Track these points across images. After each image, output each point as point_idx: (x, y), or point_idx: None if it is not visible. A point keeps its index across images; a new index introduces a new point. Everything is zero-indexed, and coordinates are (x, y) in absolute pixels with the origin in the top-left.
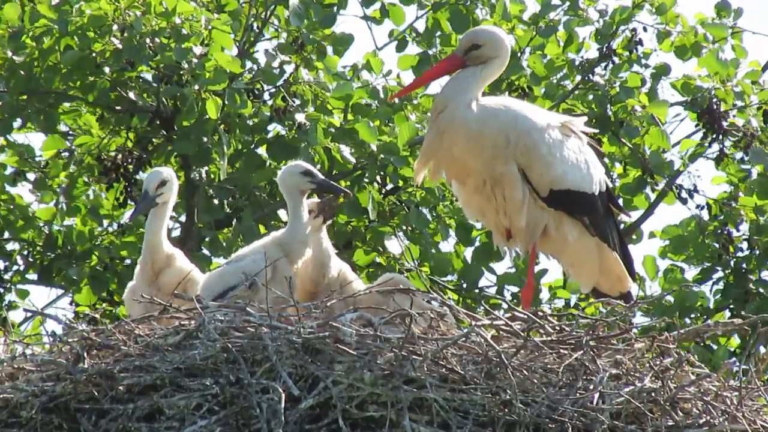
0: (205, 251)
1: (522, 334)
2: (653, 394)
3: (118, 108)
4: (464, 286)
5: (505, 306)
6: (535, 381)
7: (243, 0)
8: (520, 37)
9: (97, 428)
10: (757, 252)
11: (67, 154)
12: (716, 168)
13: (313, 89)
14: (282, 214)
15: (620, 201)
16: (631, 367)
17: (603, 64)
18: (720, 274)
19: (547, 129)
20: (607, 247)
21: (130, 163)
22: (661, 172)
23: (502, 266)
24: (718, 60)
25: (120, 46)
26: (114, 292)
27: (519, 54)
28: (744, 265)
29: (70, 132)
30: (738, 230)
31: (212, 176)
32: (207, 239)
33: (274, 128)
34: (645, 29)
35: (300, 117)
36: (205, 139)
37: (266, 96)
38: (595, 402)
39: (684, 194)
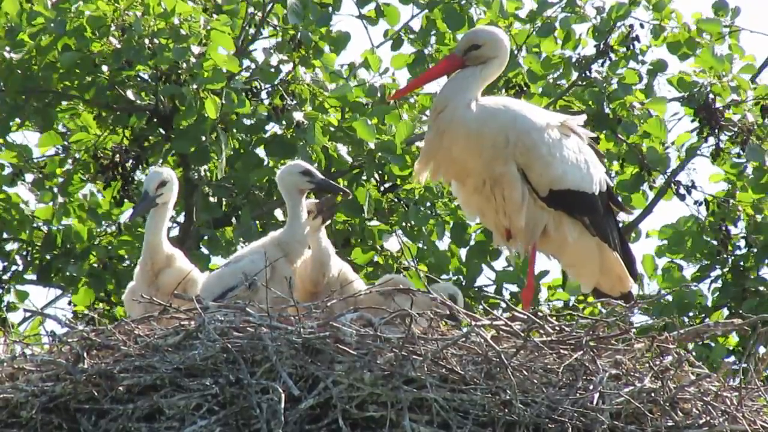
0: (204, 250)
1: (522, 334)
2: (653, 395)
3: (116, 107)
4: (463, 283)
5: (503, 305)
6: (535, 381)
7: None
8: (517, 34)
9: (97, 428)
10: (755, 250)
11: (63, 152)
12: (712, 164)
13: (311, 88)
14: (278, 214)
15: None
16: (630, 368)
17: (600, 61)
18: (718, 272)
19: (546, 129)
20: (608, 247)
21: (127, 161)
22: (658, 167)
23: (500, 263)
24: (713, 55)
25: (119, 47)
26: (111, 293)
27: (516, 51)
28: (742, 263)
29: (68, 131)
30: (736, 227)
31: (210, 175)
32: (206, 238)
33: (272, 127)
34: (642, 26)
35: (298, 116)
36: (204, 138)
37: (264, 95)
38: (595, 402)
39: (682, 190)
